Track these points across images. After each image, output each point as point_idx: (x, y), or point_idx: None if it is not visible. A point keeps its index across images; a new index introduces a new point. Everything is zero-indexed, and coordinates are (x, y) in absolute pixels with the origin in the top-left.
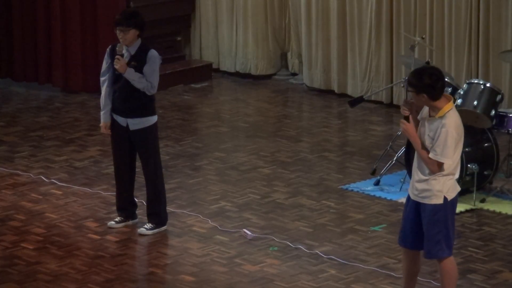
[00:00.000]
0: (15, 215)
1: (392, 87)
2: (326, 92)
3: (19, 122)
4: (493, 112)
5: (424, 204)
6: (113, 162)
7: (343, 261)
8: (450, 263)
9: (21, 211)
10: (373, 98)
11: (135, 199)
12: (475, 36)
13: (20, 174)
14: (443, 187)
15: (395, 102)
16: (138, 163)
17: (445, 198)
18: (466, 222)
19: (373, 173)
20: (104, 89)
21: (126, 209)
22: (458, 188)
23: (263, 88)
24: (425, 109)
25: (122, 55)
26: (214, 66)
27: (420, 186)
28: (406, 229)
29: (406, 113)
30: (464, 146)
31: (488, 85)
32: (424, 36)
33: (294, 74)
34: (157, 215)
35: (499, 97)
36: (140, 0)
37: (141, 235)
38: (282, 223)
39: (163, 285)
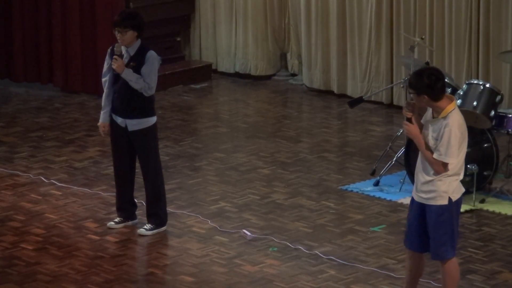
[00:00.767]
0: (14, 216)
1: (392, 88)
2: (325, 93)
3: (18, 122)
4: (492, 112)
5: (429, 206)
6: (112, 163)
7: (343, 262)
8: (453, 265)
9: (20, 212)
10: (372, 98)
11: (135, 200)
12: (475, 37)
13: (19, 175)
14: (448, 188)
15: (395, 103)
16: (138, 164)
17: (450, 199)
18: (466, 222)
19: (373, 173)
20: (105, 90)
21: (126, 209)
22: (463, 189)
23: (263, 89)
24: (429, 112)
25: (120, 55)
26: (214, 66)
27: (425, 187)
28: (412, 231)
29: (409, 114)
30: None
31: (487, 85)
32: (424, 37)
33: (293, 75)
34: (157, 216)
35: (498, 97)
36: (139, 1)
37: (141, 235)
38: (281, 224)
39: (162, 286)
